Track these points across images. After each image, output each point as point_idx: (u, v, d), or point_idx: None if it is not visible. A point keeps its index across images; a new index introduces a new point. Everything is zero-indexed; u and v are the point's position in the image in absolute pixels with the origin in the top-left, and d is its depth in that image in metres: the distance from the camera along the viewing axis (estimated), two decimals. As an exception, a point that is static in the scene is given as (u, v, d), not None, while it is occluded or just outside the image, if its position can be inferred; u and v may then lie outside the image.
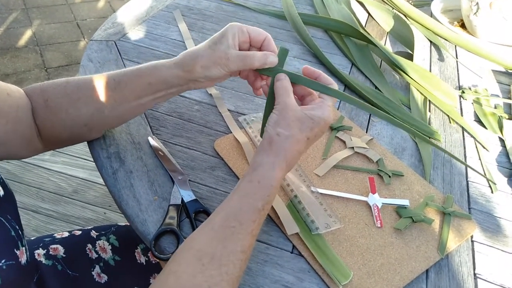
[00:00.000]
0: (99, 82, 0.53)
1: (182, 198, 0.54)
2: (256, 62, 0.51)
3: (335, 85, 0.51)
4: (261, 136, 0.55)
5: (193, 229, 0.51)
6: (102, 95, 0.53)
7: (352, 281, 0.48)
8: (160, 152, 0.59)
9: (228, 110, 0.69)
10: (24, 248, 0.47)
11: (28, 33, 2.29)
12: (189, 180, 0.57)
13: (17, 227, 0.46)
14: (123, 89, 0.53)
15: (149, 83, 0.53)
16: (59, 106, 0.52)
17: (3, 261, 0.42)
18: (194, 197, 0.54)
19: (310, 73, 0.53)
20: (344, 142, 0.66)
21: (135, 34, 0.85)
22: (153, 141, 0.61)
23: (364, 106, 0.53)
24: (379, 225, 0.54)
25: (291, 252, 0.50)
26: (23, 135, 0.52)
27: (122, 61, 0.76)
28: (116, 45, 0.80)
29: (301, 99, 0.53)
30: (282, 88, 0.50)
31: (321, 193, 0.57)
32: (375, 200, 0.57)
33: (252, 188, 0.44)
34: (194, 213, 0.52)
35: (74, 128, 0.54)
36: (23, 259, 0.46)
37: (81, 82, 0.54)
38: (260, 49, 0.54)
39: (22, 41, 2.22)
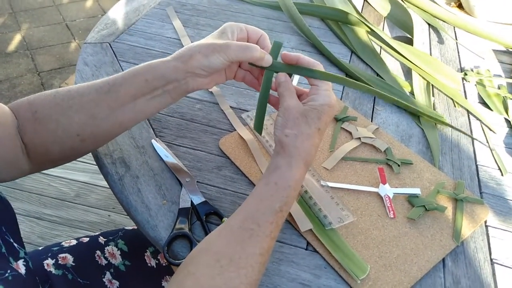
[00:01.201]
0: (91, 87, 0.50)
1: (191, 201, 0.53)
2: (256, 53, 0.50)
3: (320, 65, 0.50)
4: (255, 129, 0.54)
5: (205, 232, 0.50)
6: (95, 99, 0.49)
7: (370, 274, 0.47)
8: (165, 157, 0.58)
9: (230, 107, 0.68)
10: (21, 260, 0.46)
11: (17, 38, 2.25)
12: (197, 181, 0.56)
13: (11, 240, 0.45)
14: (118, 90, 0.50)
15: (146, 80, 0.50)
16: (48, 117, 0.49)
17: (8, 271, 0.41)
18: (203, 199, 0.53)
19: (290, 59, 0.51)
20: (350, 133, 0.65)
21: (130, 34, 0.83)
22: (157, 144, 0.60)
23: (353, 84, 0.53)
24: (392, 216, 0.53)
25: (306, 249, 0.50)
26: (3, 156, 0.47)
27: (119, 63, 0.75)
28: (111, 46, 0.79)
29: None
30: (285, 90, 0.49)
31: (331, 187, 0.56)
32: (386, 190, 0.56)
33: (269, 190, 0.43)
34: (205, 215, 0.51)
35: (65, 139, 0.50)
36: (21, 271, 0.45)
37: (72, 90, 0.50)
38: None
39: (12, 46, 2.19)
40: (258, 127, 0.54)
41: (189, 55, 0.50)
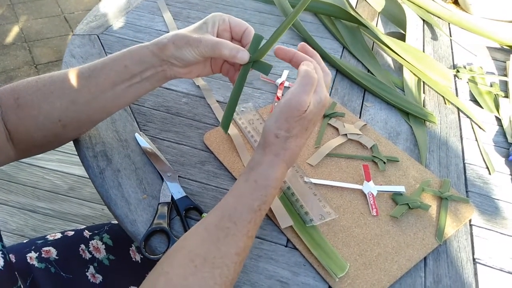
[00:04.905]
0: (73, 73, 0.51)
1: (172, 196, 0.52)
2: (225, 51, 0.48)
3: (317, 55, 0.49)
4: (222, 127, 0.51)
5: (184, 227, 0.50)
6: (75, 85, 0.50)
7: (349, 272, 0.47)
8: (148, 149, 0.57)
9: (217, 101, 0.67)
10: None
11: (15, 30, 2.24)
12: (178, 176, 0.55)
13: None
14: (98, 76, 0.50)
15: (125, 66, 0.50)
16: (30, 103, 0.49)
17: None
18: (184, 194, 0.52)
19: (285, 54, 0.49)
20: (337, 129, 0.64)
21: (119, 26, 0.82)
22: (140, 138, 0.59)
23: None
24: (375, 214, 0.53)
25: (286, 246, 0.49)
26: None
27: (106, 55, 0.74)
28: (99, 39, 0.78)
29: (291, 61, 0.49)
30: (304, 83, 0.43)
31: (314, 184, 0.55)
32: (370, 188, 0.55)
33: (248, 188, 0.43)
34: (185, 210, 0.51)
35: (48, 125, 0.50)
36: None
37: (54, 76, 0.51)
38: (240, 41, 0.52)
39: (10, 38, 2.18)
40: (226, 125, 0.50)
41: (163, 44, 0.50)
